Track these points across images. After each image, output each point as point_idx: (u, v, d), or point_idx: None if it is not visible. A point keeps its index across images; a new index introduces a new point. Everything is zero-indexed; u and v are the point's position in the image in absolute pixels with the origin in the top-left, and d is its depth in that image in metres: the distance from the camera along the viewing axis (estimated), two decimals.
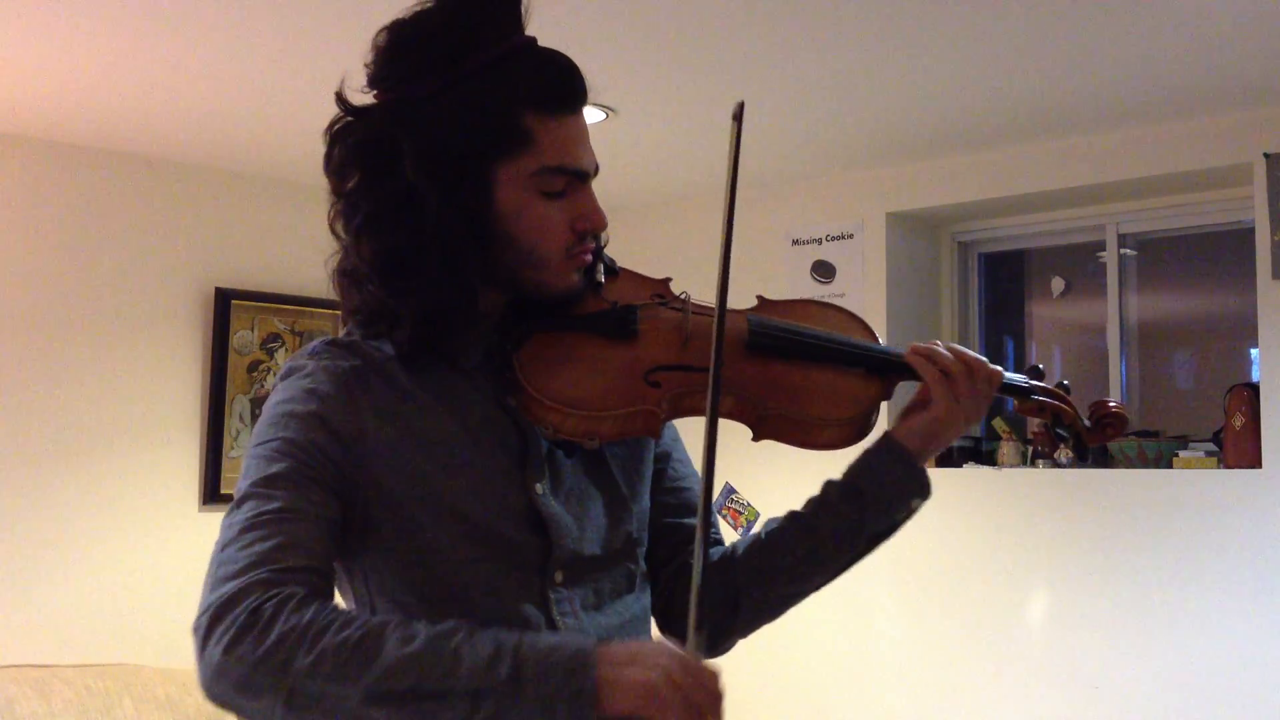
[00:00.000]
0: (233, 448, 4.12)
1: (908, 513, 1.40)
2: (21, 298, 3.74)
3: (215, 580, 1.13)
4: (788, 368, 1.38)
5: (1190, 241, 3.97)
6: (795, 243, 4.28)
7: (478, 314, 1.30)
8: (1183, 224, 3.87)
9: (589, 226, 1.31)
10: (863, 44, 2.95)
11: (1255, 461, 3.37)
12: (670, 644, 1.14)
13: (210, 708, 3.66)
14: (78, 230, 3.86)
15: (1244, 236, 3.59)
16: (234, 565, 1.13)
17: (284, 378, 1.29)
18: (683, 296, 1.40)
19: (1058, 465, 3.78)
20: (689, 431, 1.45)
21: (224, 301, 4.10)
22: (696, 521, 1.40)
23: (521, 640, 1.10)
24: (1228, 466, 3.44)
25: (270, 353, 4.22)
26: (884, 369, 1.41)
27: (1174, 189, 3.75)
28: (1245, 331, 3.69)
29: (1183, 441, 3.66)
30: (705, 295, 1.38)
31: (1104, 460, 3.77)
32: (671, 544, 1.46)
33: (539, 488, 1.30)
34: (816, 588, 1.43)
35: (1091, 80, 3.19)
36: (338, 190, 1.30)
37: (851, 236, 4.16)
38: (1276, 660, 3.28)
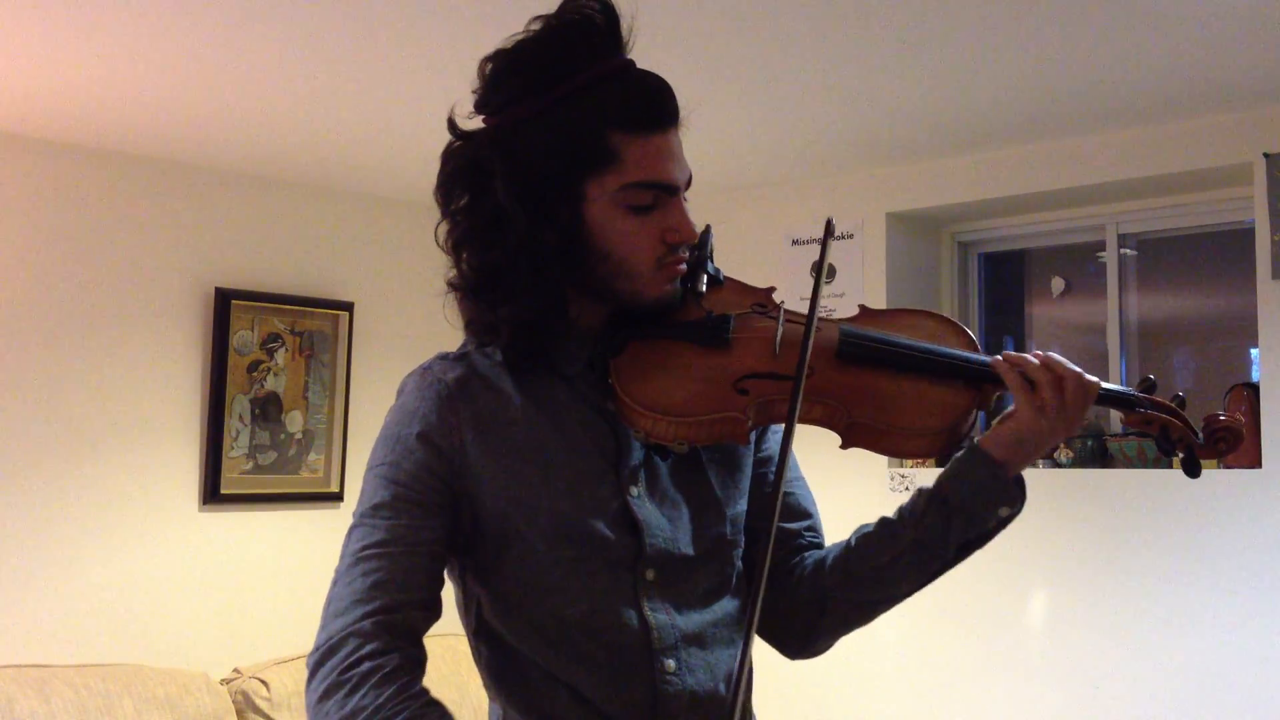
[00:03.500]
0: (232, 448, 4.12)
1: (998, 521, 1.40)
2: (21, 297, 3.74)
3: (326, 617, 1.28)
4: (877, 376, 1.38)
5: (1190, 241, 3.97)
6: (795, 243, 4.27)
7: (569, 323, 1.38)
8: (1183, 224, 3.86)
9: (678, 239, 1.36)
10: (863, 44, 2.95)
11: (1255, 461, 3.37)
12: None
13: (210, 708, 3.68)
14: (78, 230, 3.86)
15: (1244, 236, 3.58)
16: (341, 603, 1.27)
17: (398, 395, 1.40)
18: (780, 304, 1.44)
19: (1058, 465, 3.78)
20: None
21: (224, 301, 4.10)
22: (795, 526, 1.49)
23: None
24: (1228, 466, 3.43)
25: (270, 353, 4.22)
26: (975, 378, 1.40)
27: (1174, 189, 3.75)
28: (1245, 331, 3.68)
29: None
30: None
31: (1104, 460, 3.77)
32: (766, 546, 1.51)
33: (633, 490, 1.37)
34: (905, 594, 1.46)
35: (1091, 80, 3.19)
36: (444, 209, 1.39)
37: (851, 236, 4.16)
38: (1276, 660, 3.28)
